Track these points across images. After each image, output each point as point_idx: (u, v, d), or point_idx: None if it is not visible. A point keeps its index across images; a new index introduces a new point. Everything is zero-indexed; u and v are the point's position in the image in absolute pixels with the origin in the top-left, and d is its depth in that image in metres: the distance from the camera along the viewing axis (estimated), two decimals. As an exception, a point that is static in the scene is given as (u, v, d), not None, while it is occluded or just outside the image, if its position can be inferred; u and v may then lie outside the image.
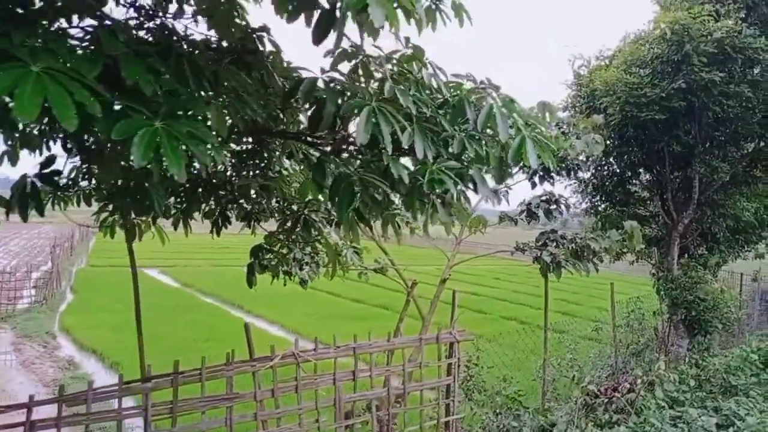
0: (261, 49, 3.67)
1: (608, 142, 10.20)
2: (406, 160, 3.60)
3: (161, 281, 29.01)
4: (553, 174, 8.05)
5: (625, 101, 8.85)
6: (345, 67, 3.45)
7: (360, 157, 3.70)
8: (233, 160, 5.17)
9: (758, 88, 9.04)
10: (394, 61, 3.60)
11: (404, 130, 3.27)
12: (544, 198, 8.16)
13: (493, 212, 8.97)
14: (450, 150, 3.68)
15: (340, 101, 3.26)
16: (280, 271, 6.30)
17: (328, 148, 3.87)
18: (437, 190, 3.53)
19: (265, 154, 5.08)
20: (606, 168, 11.29)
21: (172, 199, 5.01)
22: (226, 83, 3.27)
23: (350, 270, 7.54)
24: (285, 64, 3.72)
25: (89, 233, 38.50)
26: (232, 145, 4.60)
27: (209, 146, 2.38)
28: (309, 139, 3.75)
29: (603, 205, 11.71)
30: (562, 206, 8.12)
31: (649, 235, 11.96)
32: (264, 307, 20.90)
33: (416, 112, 3.42)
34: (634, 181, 11.51)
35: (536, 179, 8.14)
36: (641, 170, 11.25)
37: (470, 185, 3.90)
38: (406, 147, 3.27)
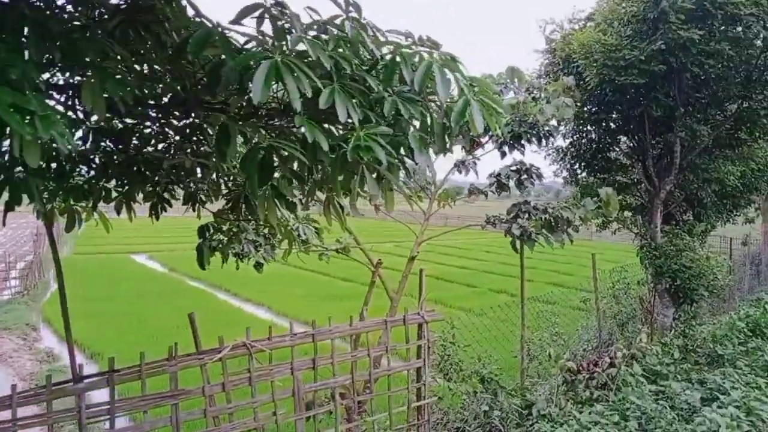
0: (160, 5, 3.16)
1: (585, 108, 9.74)
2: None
3: (149, 267, 28.64)
4: (523, 142, 7.58)
5: (602, 64, 8.33)
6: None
7: (275, 123, 3.23)
8: (177, 137, 4.69)
9: (740, 46, 8.52)
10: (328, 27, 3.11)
11: (323, 90, 2.82)
12: (514, 168, 7.72)
13: (466, 184, 8.50)
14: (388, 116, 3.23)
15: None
16: (229, 253, 5.86)
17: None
18: (365, 159, 3.06)
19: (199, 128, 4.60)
20: (584, 135, 10.80)
21: (113, 182, 4.62)
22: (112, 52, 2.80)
23: (311, 251, 7.10)
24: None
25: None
26: (174, 121, 4.13)
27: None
28: (215, 105, 3.26)
29: (583, 174, 11.26)
30: (534, 176, 7.67)
31: (632, 203, 11.57)
32: (251, 290, 20.57)
33: (335, 69, 2.95)
34: (614, 148, 11.02)
35: (506, 148, 7.68)
36: (621, 136, 10.76)
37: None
38: (323, 107, 2.81)
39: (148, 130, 4.27)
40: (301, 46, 2.79)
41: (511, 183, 7.75)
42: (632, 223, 12.22)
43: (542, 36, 10.02)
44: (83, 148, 4.03)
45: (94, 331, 15.19)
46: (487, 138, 8.07)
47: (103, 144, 4.10)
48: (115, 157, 4.36)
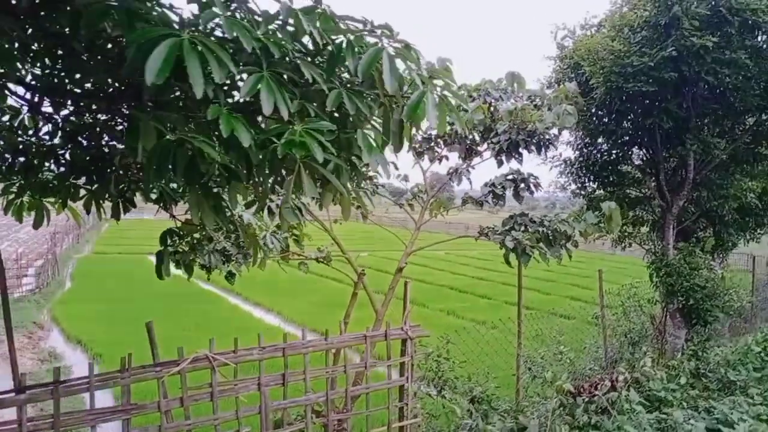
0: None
1: (595, 118, 9.26)
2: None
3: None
4: (522, 151, 7.16)
5: (609, 71, 7.85)
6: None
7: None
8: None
9: (759, 56, 7.98)
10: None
11: (247, 78, 2.49)
12: (510, 177, 7.30)
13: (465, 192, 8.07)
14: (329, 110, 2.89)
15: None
16: (191, 263, 5.53)
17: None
18: (297, 156, 2.70)
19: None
20: (595, 146, 10.29)
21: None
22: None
23: (292, 260, 6.76)
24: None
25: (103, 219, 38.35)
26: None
27: None
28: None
29: (591, 186, 10.74)
30: (531, 185, 7.24)
31: (645, 218, 11.03)
32: (264, 294, 20.30)
33: (264, 55, 2.60)
34: (626, 160, 10.47)
35: (503, 157, 7.26)
36: (634, 149, 10.22)
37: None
38: (245, 97, 2.47)
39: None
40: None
41: (509, 193, 7.34)
42: (647, 239, 11.69)
43: (554, 42, 9.57)
44: (51, 143, 3.83)
45: (102, 333, 15.04)
46: (485, 146, 7.69)
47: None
48: (81, 153, 4.09)
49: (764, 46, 8.11)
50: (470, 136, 7.81)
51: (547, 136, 7.17)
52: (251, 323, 17.03)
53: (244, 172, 2.92)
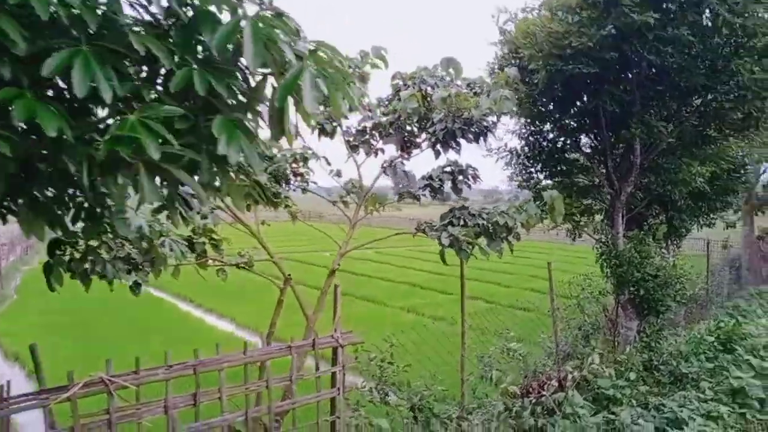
0: None
1: (539, 104, 8.85)
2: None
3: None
4: (459, 140, 6.70)
5: (548, 53, 7.43)
6: None
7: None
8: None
9: (704, 34, 7.65)
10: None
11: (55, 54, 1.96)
12: (448, 169, 6.83)
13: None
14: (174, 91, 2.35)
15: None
16: (84, 273, 4.92)
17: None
18: (122, 153, 2.16)
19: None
20: (541, 135, 9.88)
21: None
22: None
23: (210, 266, 6.19)
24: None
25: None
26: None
27: None
28: None
29: (539, 177, 10.36)
30: (470, 177, 6.79)
31: (595, 206, 10.71)
32: (217, 300, 19.49)
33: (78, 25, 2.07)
34: (574, 148, 10.09)
35: (440, 147, 6.79)
36: (582, 136, 9.85)
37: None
38: (47, 75, 1.93)
39: None
40: None
41: (447, 186, 6.88)
42: (600, 229, 11.39)
43: (496, 27, 9.13)
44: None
45: (43, 348, 14.13)
46: (424, 136, 7.22)
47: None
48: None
49: (709, 23, 7.77)
50: (408, 128, 7.34)
51: (485, 124, 6.71)
52: (201, 331, 16.33)
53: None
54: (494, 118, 6.79)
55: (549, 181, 10.35)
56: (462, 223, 6.47)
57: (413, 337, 8.27)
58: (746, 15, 6.97)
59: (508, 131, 10.36)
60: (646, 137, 8.32)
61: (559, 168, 10.08)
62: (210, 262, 6.09)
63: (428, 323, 9.82)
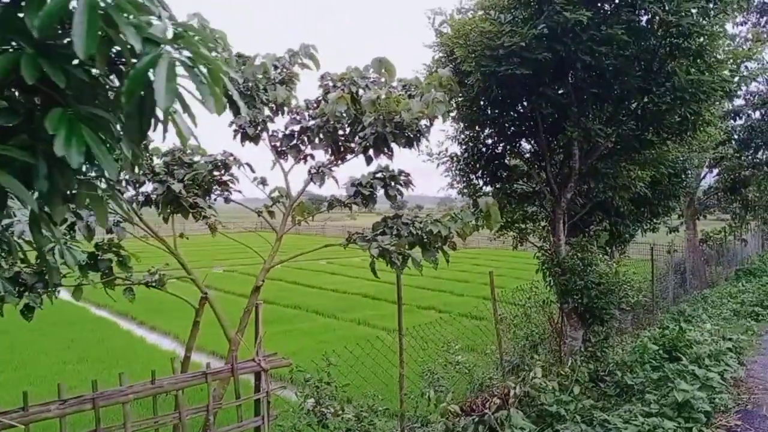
0: None
1: (475, 108, 8.58)
2: None
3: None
4: (391, 145, 6.33)
5: (481, 54, 7.16)
6: None
7: None
8: None
9: (638, 35, 7.51)
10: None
11: None
12: (379, 175, 6.46)
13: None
14: None
15: None
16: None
17: None
18: None
19: None
20: (478, 139, 9.62)
21: None
22: None
23: (117, 285, 5.63)
24: None
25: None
26: None
27: None
28: None
29: (479, 183, 10.09)
30: (401, 183, 6.44)
31: (534, 213, 10.52)
32: (161, 317, 18.63)
33: None
34: (513, 153, 9.85)
35: (371, 153, 6.42)
36: (522, 141, 9.64)
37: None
38: None
39: None
40: None
41: (380, 192, 6.51)
42: (544, 236, 11.20)
43: (431, 29, 8.83)
44: None
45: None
46: (357, 141, 6.83)
47: None
48: None
49: (644, 23, 7.63)
50: (340, 132, 6.96)
51: (416, 128, 6.37)
52: (141, 350, 15.52)
53: None
54: (427, 122, 6.47)
55: (489, 188, 10.09)
56: (395, 232, 6.10)
57: (358, 352, 7.87)
58: (681, 14, 6.83)
59: (448, 137, 10.08)
60: (583, 141, 8.13)
61: (498, 174, 9.83)
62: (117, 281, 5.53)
63: (381, 335, 9.48)
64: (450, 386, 8.07)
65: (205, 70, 2.15)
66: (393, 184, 6.47)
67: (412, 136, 6.44)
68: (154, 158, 6.56)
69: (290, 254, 6.98)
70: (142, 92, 1.95)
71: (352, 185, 6.51)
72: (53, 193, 2.18)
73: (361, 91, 6.68)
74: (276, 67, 7.07)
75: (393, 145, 6.57)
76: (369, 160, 6.62)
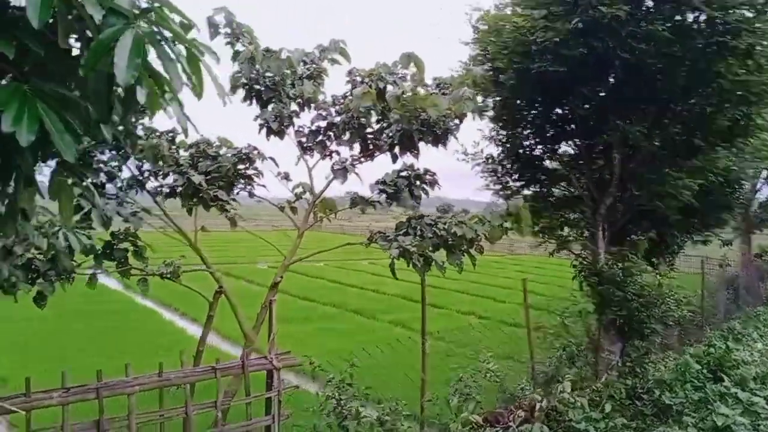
0: None
1: (512, 107, 8.27)
2: None
3: (104, 285, 26.82)
4: (418, 143, 6.14)
5: (514, 50, 6.87)
6: None
7: None
8: None
9: (686, 35, 7.05)
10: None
11: None
12: (404, 173, 6.26)
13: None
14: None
15: None
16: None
17: None
18: None
19: None
20: (516, 140, 9.24)
21: None
22: None
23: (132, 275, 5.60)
24: None
25: None
26: None
27: None
28: None
29: (516, 186, 9.73)
30: (427, 183, 6.23)
31: (574, 219, 10.09)
32: (204, 309, 18.75)
33: None
34: (552, 156, 9.45)
35: (397, 150, 6.23)
36: (561, 144, 9.24)
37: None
38: None
39: None
40: None
41: (405, 192, 6.30)
42: (584, 245, 10.77)
43: (469, 25, 8.58)
44: None
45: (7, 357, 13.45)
46: (384, 137, 6.65)
47: None
48: None
49: (695, 26, 7.19)
50: (368, 129, 6.80)
51: (444, 126, 6.14)
52: (181, 340, 15.61)
53: None
54: (457, 121, 6.23)
55: (526, 191, 9.72)
56: (419, 233, 5.89)
57: (386, 354, 7.66)
58: (728, 10, 6.39)
59: (485, 137, 9.76)
60: (622, 145, 7.68)
61: (536, 177, 9.46)
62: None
63: (415, 338, 9.33)
64: (477, 394, 7.80)
65: (182, 50, 2.01)
66: (418, 183, 6.26)
67: (440, 134, 6.22)
68: (180, 150, 6.54)
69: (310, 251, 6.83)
70: (109, 69, 1.82)
71: (376, 183, 6.32)
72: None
73: (389, 87, 6.50)
74: (305, 63, 6.97)
75: (421, 143, 6.39)
76: (395, 158, 6.44)
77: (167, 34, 1.94)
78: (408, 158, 6.56)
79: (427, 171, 6.39)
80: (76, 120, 1.98)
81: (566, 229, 10.60)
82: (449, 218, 5.81)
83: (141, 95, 1.94)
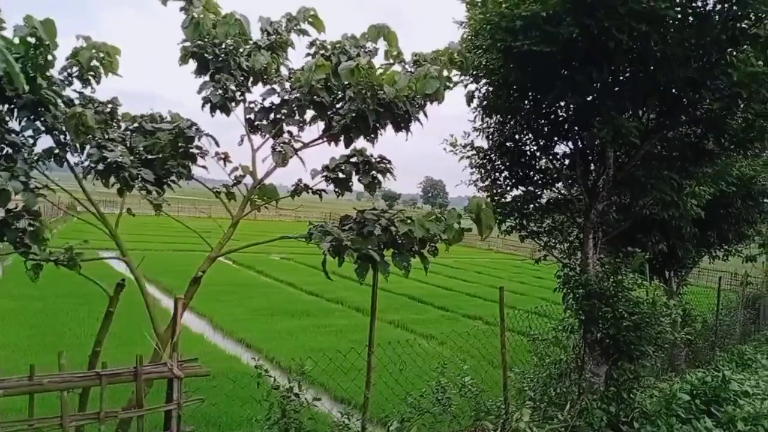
0: None
1: (501, 93, 7.42)
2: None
3: (115, 269, 26.49)
4: (374, 125, 5.39)
5: (497, 24, 6.03)
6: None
7: None
8: None
9: (705, 20, 6.16)
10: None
11: None
12: (353, 159, 5.51)
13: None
14: None
15: None
16: None
17: None
18: None
19: None
20: (502, 130, 8.38)
21: None
22: None
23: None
24: None
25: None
26: None
27: None
28: None
29: (506, 184, 8.86)
30: (377, 171, 5.47)
31: (562, 222, 9.24)
32: (204, 298, 18.20)
33: None
34: (546, 154, 8.56)
35: (352, 134, 5.48)
36: (557, 142, 8.35)
37: None
38: None
39: None
40: None
41: (356, 179, 5.56)
42: (569, 254, 9.93)
43: (462, 3, 7.74)
44: None
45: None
46: (337, 118, 5.90)
47: None
48: None
49: (716, 6, 6.25)
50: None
51: (405, 108, 5.36)
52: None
53: None
54: (422, 102, 5.46)
55: (516, 191, 8.87)
56: (363, 229, 5.14)
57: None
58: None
59: (475, 128, 8.90)
60: (614, 141, 6.74)
61: (528, 175, 8.59)
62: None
63: (412, 340, 8.70)
64: (439, 414, 7.08)
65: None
66: (368, 170, 5.50)
67: (399, 117, 5.45)
68: (122, 124, 5.88)
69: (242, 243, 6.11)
70: None
71: (322, 168, 5.57)
72: None
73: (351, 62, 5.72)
74: (267, 33, 6.24)
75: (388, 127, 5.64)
76: (348, 142, 5.69)
77: None
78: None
79: (381, 158, 5.63)
80: None
81: (555, 235, 9.75)
82: (394, 213, 5.05)
83: None
